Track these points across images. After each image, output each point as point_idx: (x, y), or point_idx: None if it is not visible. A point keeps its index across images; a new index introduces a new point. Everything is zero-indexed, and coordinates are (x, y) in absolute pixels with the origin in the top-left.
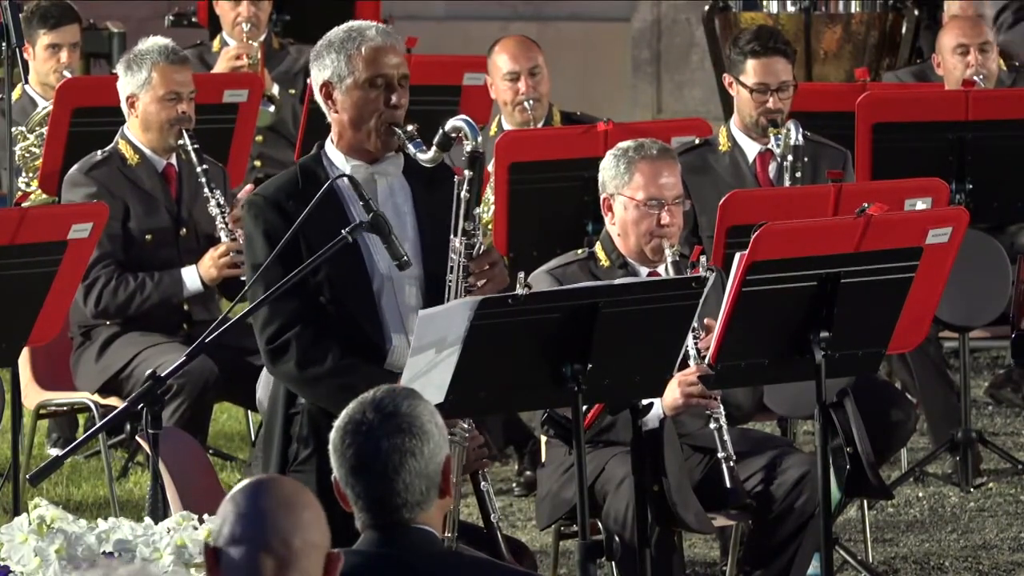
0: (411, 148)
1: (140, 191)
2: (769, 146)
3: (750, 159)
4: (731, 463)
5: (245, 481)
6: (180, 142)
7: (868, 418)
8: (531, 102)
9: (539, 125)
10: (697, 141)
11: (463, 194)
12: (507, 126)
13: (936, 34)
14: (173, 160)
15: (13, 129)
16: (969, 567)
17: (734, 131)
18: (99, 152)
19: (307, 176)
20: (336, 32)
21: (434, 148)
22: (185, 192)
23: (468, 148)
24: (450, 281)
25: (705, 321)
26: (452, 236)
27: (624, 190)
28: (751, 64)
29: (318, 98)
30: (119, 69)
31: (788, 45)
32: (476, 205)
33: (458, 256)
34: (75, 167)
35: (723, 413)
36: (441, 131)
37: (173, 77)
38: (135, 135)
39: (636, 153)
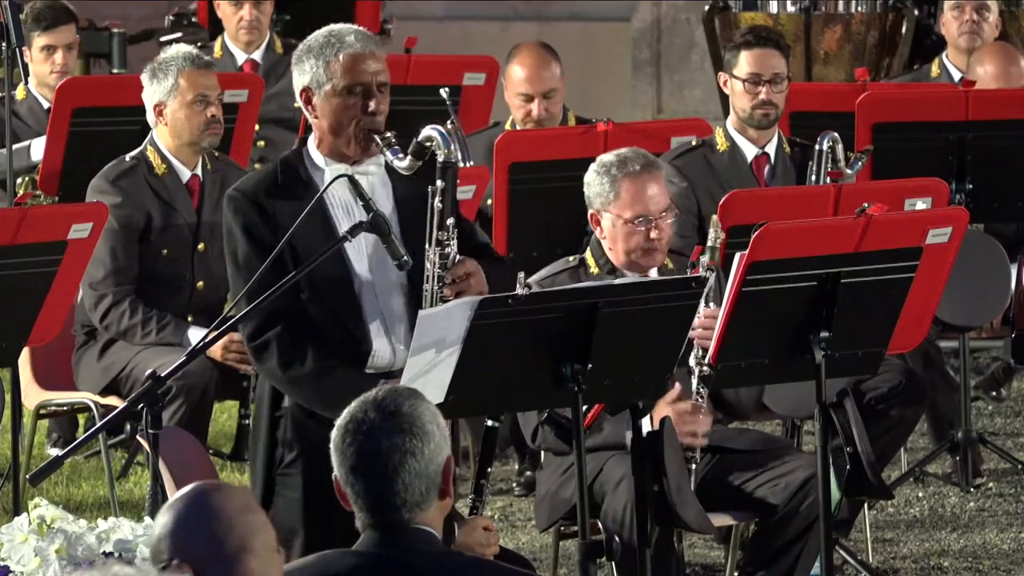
0: (388, 155)
1: (163, 203)
2: (765, 149)
3: (748, 159)
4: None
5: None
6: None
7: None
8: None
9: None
10: (694, 142)
11: (436, 204)
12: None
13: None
14: (199, 171)
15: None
16: (969, 567)
17: (731, 131)
18: (127, 157)
19: (287, 172)
20: (316, 37)
21: (409, 156)
22: (207, 206)
23: (440, 158)
24: (426, 291)
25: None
26: (427, 246)
27: (610, 207)
28: (744, 55)
29: (299, 103)
30: (143, 79)
31: (782, 39)
32: (450, 215)
33: (432, 266)
34: (102, 173)
35: (699, 454)
36: (415, 140)
37: (200, 81)
38: (164, 143)
39: (619, 170)
